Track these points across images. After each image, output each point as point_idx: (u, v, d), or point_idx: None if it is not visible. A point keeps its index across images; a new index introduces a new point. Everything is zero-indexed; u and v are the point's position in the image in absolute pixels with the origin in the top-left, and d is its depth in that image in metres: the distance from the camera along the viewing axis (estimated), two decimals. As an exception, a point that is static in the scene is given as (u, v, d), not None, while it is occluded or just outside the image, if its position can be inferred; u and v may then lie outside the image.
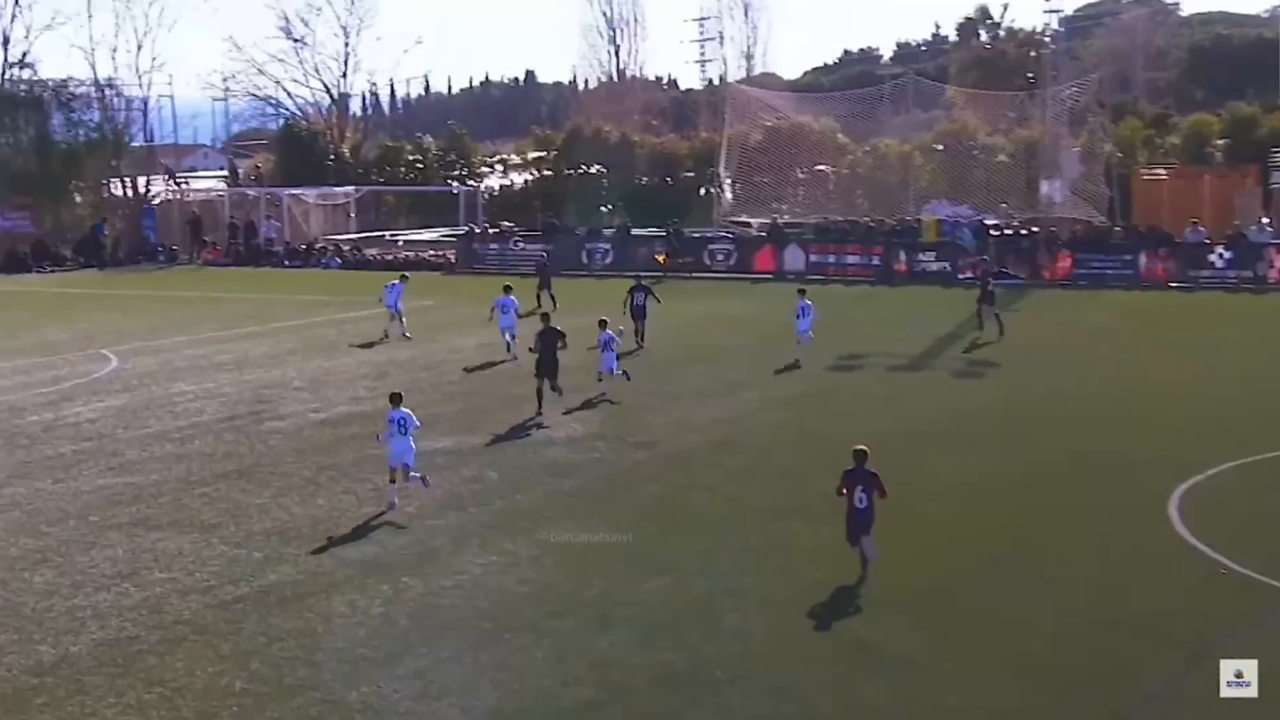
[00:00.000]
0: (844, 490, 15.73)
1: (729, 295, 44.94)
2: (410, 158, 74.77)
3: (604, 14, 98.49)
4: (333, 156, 72.91)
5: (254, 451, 23.07)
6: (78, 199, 67.45)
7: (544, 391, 25.65)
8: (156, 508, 19.55)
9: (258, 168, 78.26)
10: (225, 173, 77.20)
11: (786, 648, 13.84)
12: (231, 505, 19.57)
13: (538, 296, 39.43)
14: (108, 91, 67.30)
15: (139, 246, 62.89)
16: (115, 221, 64.81)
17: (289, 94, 78.17)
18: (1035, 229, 50.33)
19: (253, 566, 16.68)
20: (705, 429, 24.18)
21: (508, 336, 31.74)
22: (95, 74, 66.85)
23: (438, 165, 74.70)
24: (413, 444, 19.22)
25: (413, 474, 19.22)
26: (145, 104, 69.04)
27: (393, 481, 19.19)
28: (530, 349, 26.59)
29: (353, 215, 65.83)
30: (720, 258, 52.61)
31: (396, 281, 36.74)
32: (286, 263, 59.63)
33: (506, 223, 60.93)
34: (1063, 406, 25.89)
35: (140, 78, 67.85)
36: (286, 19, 76.48)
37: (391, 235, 64.52)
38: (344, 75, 77.44)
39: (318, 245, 61.63)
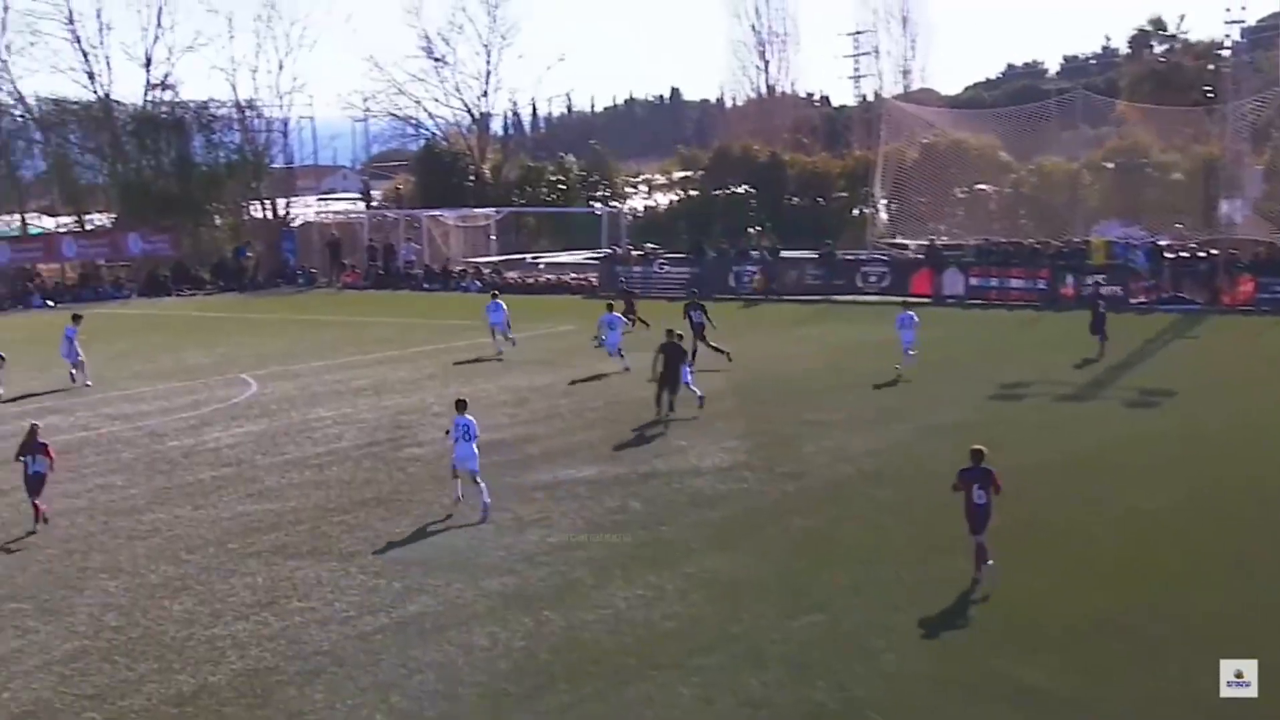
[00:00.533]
0: (960, 487, 17.05)
1: (883, 320, 44.53)
2: (552, 178, 75.65)
3: (753, 29, 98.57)
4: (473, 177, 74.08)
5: (393, 479, 23.48)
6: (217, 221, 69.42)
7: (663, 399, 27.74)
8: (295, 535, 19.99)
9: (397, 189, 79.84)
10: (359, 195, 78.85)
11: (944, 689, 13.66)
12: (370, 533, 19.93)
13: (630, 319, 40.44)
14: (248, 113, 69.29)
15: (278, 269, 64.48)
16: (255, 244, 66.59)
17: (429, 114, 79.72)
18: (1214, 251, 49.09)
19: (392, 596, 16.96)
20: (857, 459, 24.00)
21: (617, 353, 33.48)
22: (236, 95, 68.87)
23: (580, 186, 75.47)
24: (475, 449, 20.80)
25: (479, 481, 20.71)
26: (285, 125, 70.93)
27: (455, 477, 21.25)
28: (656, 372, 28.43)
29: (493, 237, 66.78)
30: (873, 280, 52.25)
31: (496, 300, 38.42)
32: (425, 286, 60.69)
33: (650, 245, 61.27)
34: (1241, 438, 25.17)
35: (280, 98, 69.73)
36: (428, 38, 77.97)
37: (532, 258, 65.29)
38: (485, 94, 78.72)
39: (457, 268, 62.61)
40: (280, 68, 69.57)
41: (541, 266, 63.12)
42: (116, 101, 66.46)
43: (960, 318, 45.82)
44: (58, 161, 65.35)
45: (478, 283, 59.74)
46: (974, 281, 50.29)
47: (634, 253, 59.37)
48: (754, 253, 56.86)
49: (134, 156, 67.11)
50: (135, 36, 67.88)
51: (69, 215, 66.24)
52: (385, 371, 35.31)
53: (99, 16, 65.79)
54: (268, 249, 66.82)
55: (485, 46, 78.18)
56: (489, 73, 78.40)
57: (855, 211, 67.36)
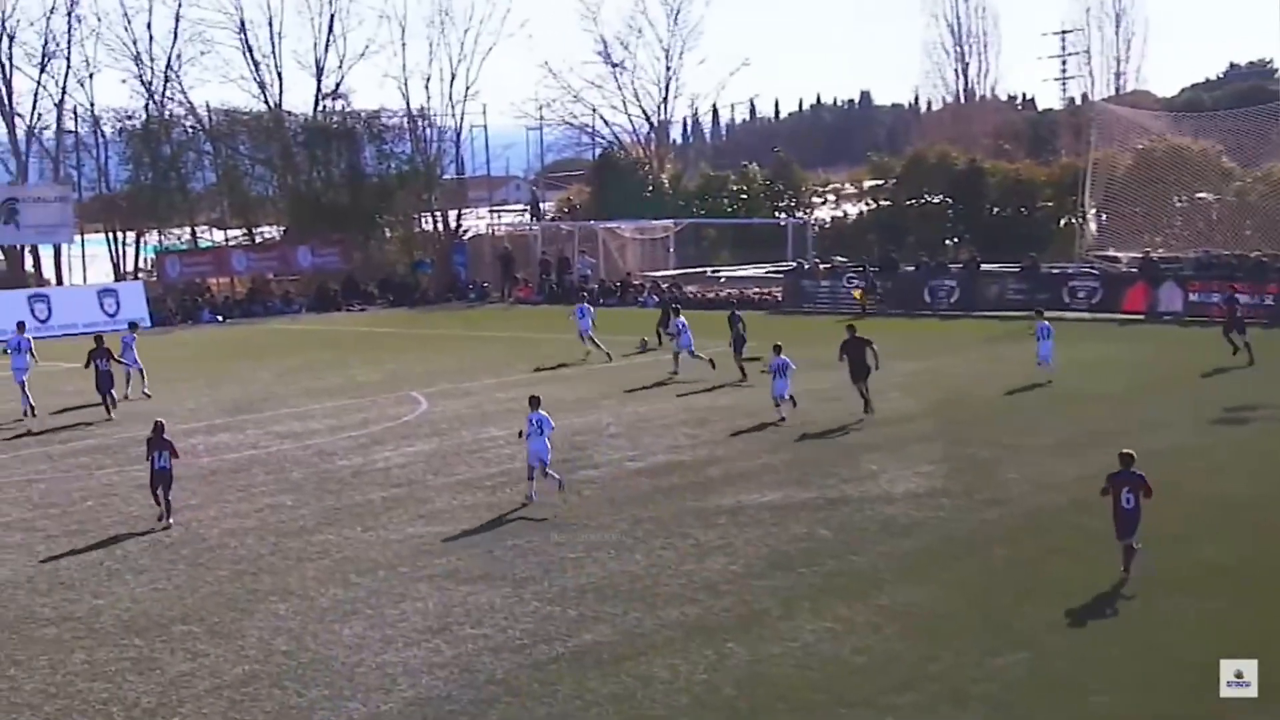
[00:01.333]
0: (1109, 491, 18.12)
1: (1093, 338, 43.64)
2: (734, 188, 75.74)
3: (951, 29, 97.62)
4: (651, 187, 74.53)
5: (567, 501, 23.68)
6: (387, 234, 70.95)
7: (865, 393, 30.34)
8: (467, 559, 20.30)
9: (568, 199, 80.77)
10: (529, 206, 79.90)
11: (1165, 739, 13.29)
12: (544, 558, 20.14)
13: (658, 333, 42.63)
14: (420, 122, 70.73)
15: (449, 284, 65.63)
16: (425, 257, 67.90)
17: (605, 121, 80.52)
18: None
19: (567, 625, 17.11)
20: (1065, 486, 23.51)
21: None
22: (408, 104, 70.33)
23: (763, 196, 75.42)
24: (548, 444, 23.31)
25: (550, 472, 23.20)
26: (457, 134, 72.23)
27: (530, 478, 23.38)
28: (840, 359, 31.31)
29: (671, 250, 67.08)
30: (1082, 295, 51.20)
31: (586, 305, 42.08)
32: (601, 301, 61.27)
33: (839, 257, 60.95)
34: None
35: (453, 107, 71.03)
36: (605, 43, 78.83)
37: (712, 271, 65.42)
38: (664, 101, 79.27)
39: (634, 282, 63.02)
40: (453, 75, 70.96)
41: (722, 280, 63.20)
42: (287, 111, 68.45)
43: (1178, 335, 44.64)
44: (228, 173, 67.50)
45: (655, 297, 60.06)
46: (1193, 297, 48.93)
47: (821, 266, 59.11)
48: (952, 266, 56.22)
49: (304, 168, 68.99)
50: (307, 45, 70.00)
51: (239, 228, 68.35)
52: (559, 389, 35.68)
53: (271, 25, 67.76)
54: (438, 262, 68.08)
55: (665, 51, 78.79)
56: (668, 78, 78.97)
57: (1062, 222, 66.13)
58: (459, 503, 23.86)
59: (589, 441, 28.85)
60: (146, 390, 36.30)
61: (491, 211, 79.19)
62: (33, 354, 35.59)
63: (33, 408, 34.25)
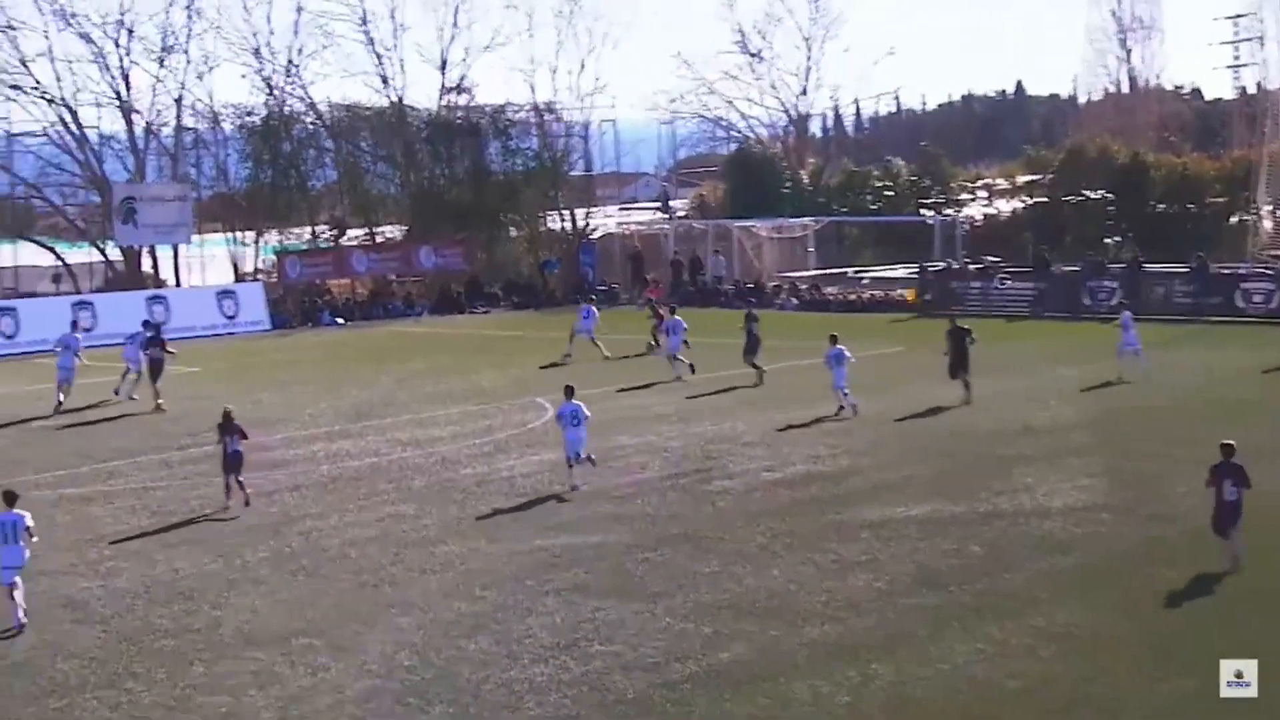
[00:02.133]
0: (1212, 482, 18.96)
1: (1269, 344, 42.65)
2: (878, 184, 75.26)
3: (1113, 15, 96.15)
4: (789, 183, 74.33)
5: (701, 514, 23.74)
6: (512, 233, 71.47)
7: (967, 384, 32.81)
8: (596, 573, 20.43)
9: (700, 195, 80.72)
10: (658, 203, 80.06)
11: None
12: (677, 573, 20.19)
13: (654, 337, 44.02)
14: (547, 116, 71.14)
15: (576, 284, 65.99)
16: (552, 257, 68.30)
17: (742, 114, 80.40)
18: None
19: (701, 642, 17.14)
20: (1238, 504, 23.01)
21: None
22: (534, 97, 70.80)
23: (909, 192, 74.84)
24: (584, 433, 25.45)
25: (583, 456, 25.28)
26: (586, 129, 72.50)
27: (570, 466, 25.45)
28: (944, 353, 33.88)
29: (811, 249, 66.82)
30: (1257, 299, 50.06)
31: (590, 306, 45.00)
32: (736, 302, 61.19)
33: (990, 257, 60.32)
34: None
35: (581, 100, 71.31)
36: (742, 32, 78.68)
37: (855, 272, 65.08)
38: (804, 92, 78.97)
39: (771, 283, 62.90)
40: (582, 67, 71.18)
41: (865, 282, 62.81)
42: (410, 106, 69.24)
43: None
44: (348, 171, 68.47)
45: (793, 299, 59.89)
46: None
47: (971, 266, 58.54)
48: (1112, 266, 55.34)
49: (427, 165, 69.72)
50: (430, 37, 70.33)
51: (359, 227, 69.31)
52: (692, 396, 35.71)
53: (393, 17, 68.48)
54: (565, 263, 68.47)
55: (805, 40, 78.45)
56: (809, 69, 78.62)
57: (1234, 219, 64.74)
58: (587, 513, 24.01)
59: (724, 451, 28.86)
60: (133, 395, 37.29)
61: (621, 209, 79.46)
62: (78, 355, 37.03)
63: (59, 405, 35.92)
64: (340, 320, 58.37)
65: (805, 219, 68.00)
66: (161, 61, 62.40)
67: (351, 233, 69.10)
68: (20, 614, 18.74)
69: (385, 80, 68.46)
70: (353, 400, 36.75)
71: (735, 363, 38.58)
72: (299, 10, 65.56)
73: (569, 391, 26.26)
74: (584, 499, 24.98)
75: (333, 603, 19.47)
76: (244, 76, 66.96)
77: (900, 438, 29.71)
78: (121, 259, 60.79)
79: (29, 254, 58.32)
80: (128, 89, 61.56)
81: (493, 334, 53.60)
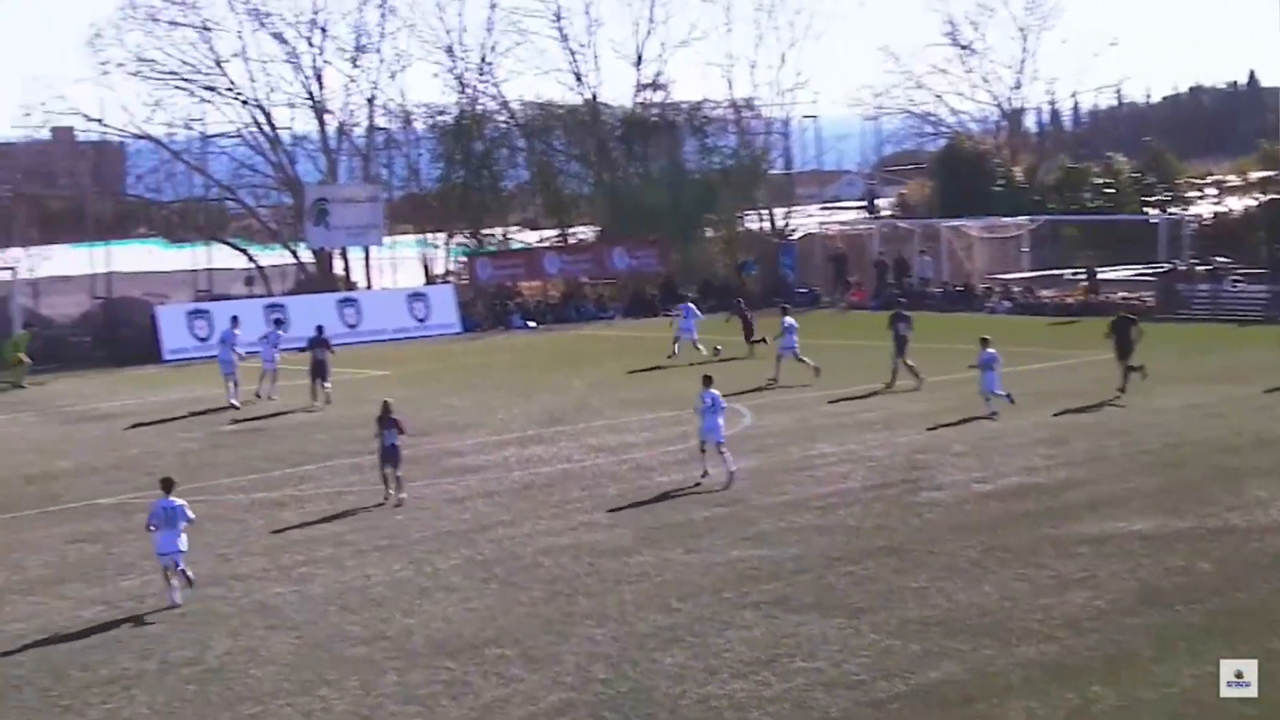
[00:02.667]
0: None
1: None
2: (1097, 181, 73.82)
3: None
4: (1002, 181, 73.30)
5: (908, 526, 23.54)
6: (708, 234, 71.56)
7: (1127, 373, 34.04)
8: (797, 586, 20.38)
9: (901, 194, 79.95)
10: (863, 203, 79.50)
11: None
12: (883, 587, 20.06)
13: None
14: (745, 113, 71.10)
15: (775, 287, 65.83)
16: (750, 259, 68.25)
17: (951, 109, 79.46)
18: None
19: (909, 660, 16.98)
20: None
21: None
22: (732, 94, 70.80)
23: (1132, 190, 73.28)
24: (721, 422, 26.93)
25: (724, 453, 26.87)
26: (786, 126, 72.30)
27: (703, 451, 27.12)
28: (1105, 335, 36.11)
29: (1025, 250, 65.80)
30: None
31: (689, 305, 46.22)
32: (945, 306, 60.51)
33: (1220, 258, 58.79)
34: None
35: (781, 96, 71.11)
36: (952, 23, 77.77)
37: (1071, 274, 63.88)
38: (1018, 86, 77.77)
39: (981, 285, 62.11)
40: (782, 62, 70.90)
41: (1084, 283, 61.62)
42: (604, 104, 69.73)
43: None
44: (541, 170, 69.22)
45: (1006, 302, 59.07)
46: None
47: (1199, 267, 57.13)
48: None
49: (621, 164, 70.16)
50: (625, 33, 70.51)
51: (551, 228, 69.99)
52: (897, 403, 35.42)
53: (588, 13, 68.92)
54: (764, 264, 68.35)
55: (1020, 31, 77.20)
56: (1023, 60, 77.37)
57: None
58: (787, 524, 23.95)
59: (932, 461, 28.57)
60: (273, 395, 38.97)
61: (822, 209, 79.08)
62: (236, 349, 38.69)
63: (236, 402, 37.99)
64: (531, 323, 58.99)
65: (1019, 218, 66.96)
66: (354, 61, 63.72)
67: (543, 233, 69.80)
68: (176, 595, 20.21)
69: (579, 77, 69.01)
70: (545, 405, 37.13)
71: (942, 369, 38.13)
72: (493, 7, 66.42)
73: (707, 380, 27.76)
74: (783, 509, 24.93)
75: (525, 612, 19.69)
76: (436, 75, 68.05)
77: (1122, 448, 29.10)
78: (313, 261, 62.20)
79: (223, 256, 59.91)
80: (320, 89, 62.99)
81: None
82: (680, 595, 20.13)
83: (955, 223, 65.94)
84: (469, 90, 66.54)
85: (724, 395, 28.35)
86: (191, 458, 31.65)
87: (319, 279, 61.36)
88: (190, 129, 60.17)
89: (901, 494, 25.88)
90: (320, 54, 62.93)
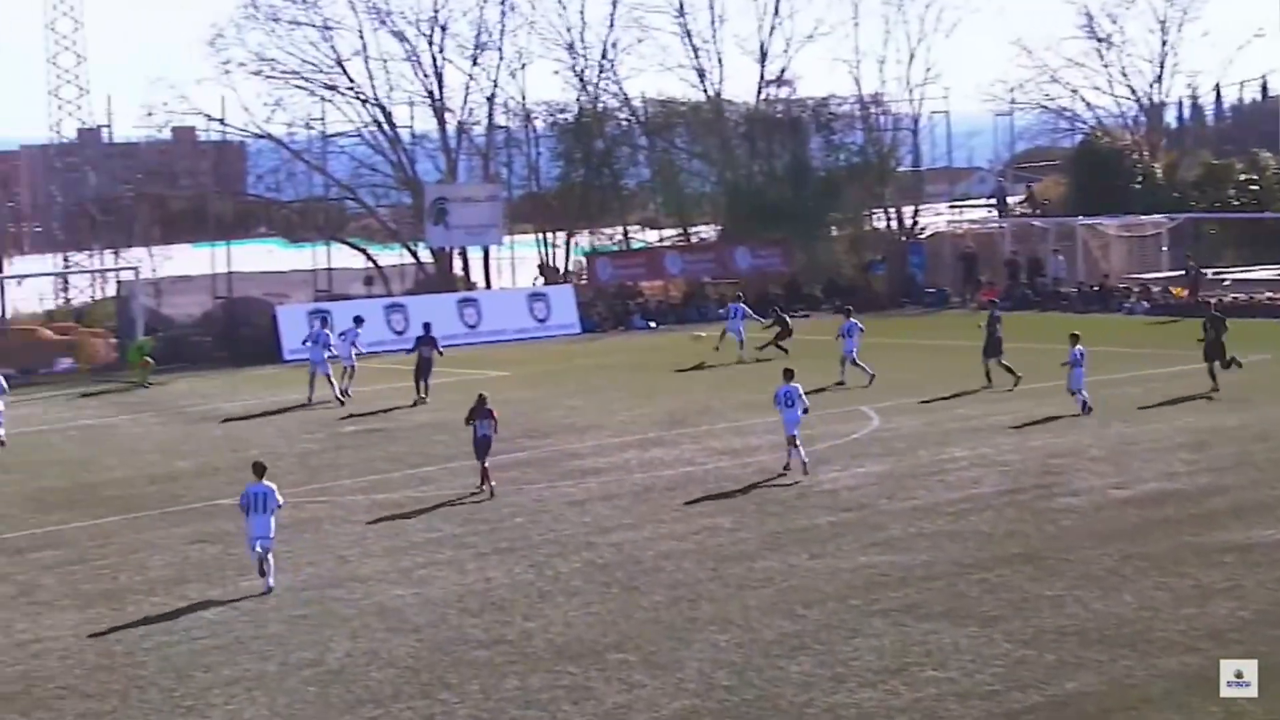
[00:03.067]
0: None
1: None
2: (1241, 178, 72.62)
3: None
4: (1141, 178, 72.30)
5: (1042, 532, 23.32)
6: (834, 233, 71.31)
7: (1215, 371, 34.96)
8: (927, 593, 20.27)
9: (1042, 192, 79.01)
10: (994, 200, 78.74)
11: None
12: (1016, 595, 19.91)
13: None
14: (873, 109, 70.75)
15: (903, 287, 65.46)
16: (877, 258, 67.91)
17: (1087, 104, 78.45)
18: None
19: (1044, 671, 16.84)
20: None
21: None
22: (859, 90, 70.47)
23: (1278, 186, 72.00)
24: (799, 415, 28.04)
25: (797, 443, 28.13)
26: (915, 122, 71.83)
27: (789, 446, 28.22)
28: (1199, 339, 36.41)
29: (1165, 249, 64.86)
30: None
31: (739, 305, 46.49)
32: (1080, 306, 59.83)
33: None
34: None
35: (910, 92, 70.67)
36: (1089, 15, 76.75)
37: (1214, 274, 62.86)
38: (1158, 80, 76.61)
39: (1119, 285, 61.36)
40: (911, 57, 70.45)
41: (1227, 284, 60.64)
42: (727, 101, 69.68)
43: None
44: (662, 168, 69.29)
45: (1144, 303, 58.32)
46: None
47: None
48: None
49: (744, 161, 70.05)
50: (750, 28, 70.52)
51: (672, 227, 70.05)
52: (1028, 406, 35.02)
53: (712, 8, 68.86)
54: (892, 263, 68.00)
55: (1161, 23, 76.04)
56: (1164, 54, 76.20)
57: None
58: (916, 530, 23.84)
59: (1067, 465, 28.28)
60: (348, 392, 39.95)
61: (952, 207, 78.45)
62: (329, 348, 40.00)
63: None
64: (652, 324, 59.06)
65: (1158, 216, 66.03)
66: (475, 59, 64.20)
67: (664, 233, 69.87)
68: (270, 581, 21.24)
69: (701, 74, 69.00)
70: (666, 406, 37.17)
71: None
72: (614, 3, 66.60)
73: (788, 374, 29.01)
74: (912, 514, 24.80)
75: (647, 617, 19.73)
76: (556, 73, 68.22)
77: (1266, 454, 28.64)
78: (432, 261, 62.75)
79: (342, 256, 60.60)
80: (440, 88, 63.53)
81: (811, 338, 53.35)
82: (806, 601, 20.09)
83: (1091, 221, 65.14)
84: (590, 88, 66.77)
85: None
86: (312, 459, 32.07)
87: (438, 279, 61.88)
88: (310, 128, 60.98)
89: (1035, 499, 25.63)
90: (441, 52, 63.51)
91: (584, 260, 65.77)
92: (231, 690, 17.43)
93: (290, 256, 61.20)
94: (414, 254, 62.66)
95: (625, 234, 68.54)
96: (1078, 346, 33.98)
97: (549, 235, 66.01)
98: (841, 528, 24.24)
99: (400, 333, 48.74)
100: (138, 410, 39.93)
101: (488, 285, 62.95)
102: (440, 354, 39.99)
